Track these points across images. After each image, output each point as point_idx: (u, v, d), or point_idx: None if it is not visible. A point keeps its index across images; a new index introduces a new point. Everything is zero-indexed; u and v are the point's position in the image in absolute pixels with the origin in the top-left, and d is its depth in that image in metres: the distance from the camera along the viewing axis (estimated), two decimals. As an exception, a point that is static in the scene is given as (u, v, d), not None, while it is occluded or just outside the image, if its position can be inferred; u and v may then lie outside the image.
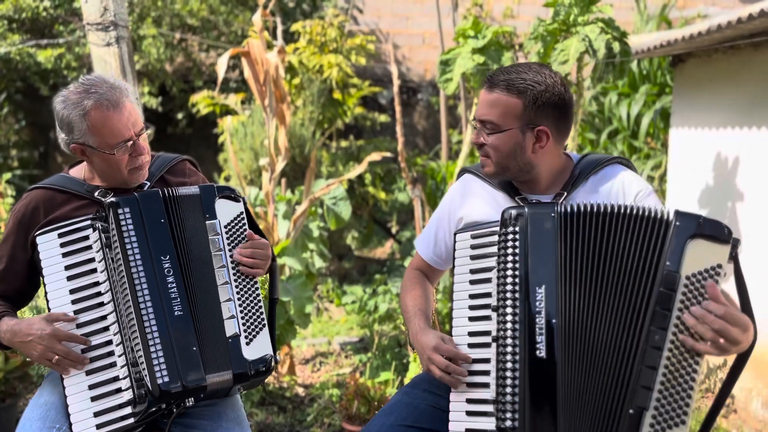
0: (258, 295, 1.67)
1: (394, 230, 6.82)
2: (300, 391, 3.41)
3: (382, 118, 6.82)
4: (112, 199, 1.62)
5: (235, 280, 1.65)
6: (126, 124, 1.64)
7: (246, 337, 1.61)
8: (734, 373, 1.39)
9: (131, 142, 1.66)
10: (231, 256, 1.65)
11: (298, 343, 4.13)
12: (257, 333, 1.64)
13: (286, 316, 3.11)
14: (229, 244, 1.66)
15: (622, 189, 1.62)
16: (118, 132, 1.64)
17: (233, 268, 1.65)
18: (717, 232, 1.35)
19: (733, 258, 1.35)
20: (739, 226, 3.28)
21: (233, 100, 5.69)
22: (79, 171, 1.81)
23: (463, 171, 1.81)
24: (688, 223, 1.36)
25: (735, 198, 3.32)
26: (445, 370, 1.50)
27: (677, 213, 1.39)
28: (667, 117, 4.83)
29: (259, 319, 1.65)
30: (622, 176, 1.64)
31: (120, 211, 1.60)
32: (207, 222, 1.65)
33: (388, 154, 3.26)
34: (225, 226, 1.67)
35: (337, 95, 5.97)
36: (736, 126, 3.34)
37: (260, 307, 1.66)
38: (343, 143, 6.26)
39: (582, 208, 1.44)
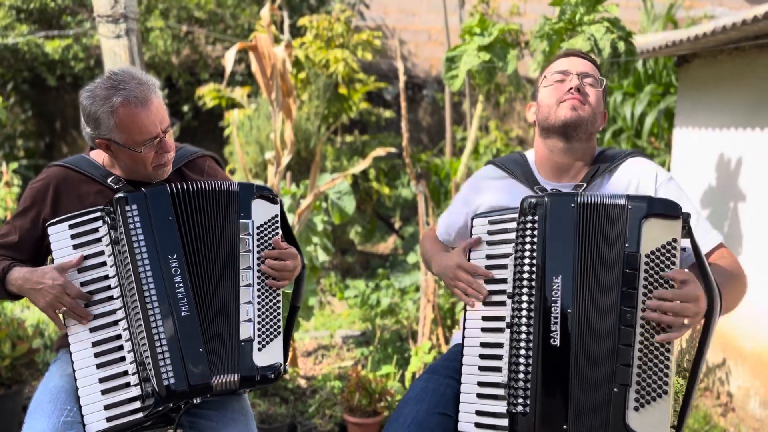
0: (278, 301, 1.66)
1: (397, 226, 6.85)
2: (302, 383, 3.44)
3: (387, 113, 6.84)
4: (120, 194, 1.61)
5: (259, 284, 1.63)
6: (153, 121, 1.62)
7: (259, 343, 1.61)
8: (704, 339, 1.43)
9: (158, 140, 1.65)
10: (259, 259, 1.64)
11: (301, 335, 4.17)
12: (271, 340, 1.63)
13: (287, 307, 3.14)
14: (258, 246, 1.64)
15: (641, 179, 1.67)
16: (146, 129, 1.62)
17: (259, 271, 1.63)
18: (668, 209, 1.43)
19: (687, 231, 1.43)
20: (741, 226, 3.30)
21: (239, 93, 5.71)
22: (99, 155, 1.79)
23: (489, 162, 1.88)
24: (639, 205, 1.44)
25: (737, 198, 3.34)
26: (468, 286, 1.58)
27: (628, 197, 1.46)
28: (671, 117, 4.84)
29: (275, 326, 1.64)
30: (640, 167, 1.69)
31: (127, 208, 1.58)
32: (240, 221, 1.64)
33: (393, 150, 3.29)
34: (258, 227, 1.65)
35: (342, 90, 5.99)
36: (739, 127, 3.35)
37: (279, 313, 1.66)
38: (348, 138, 6.28)
39: (596, 200, 1.49)
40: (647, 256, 1.41)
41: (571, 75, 1.67)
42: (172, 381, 1.52)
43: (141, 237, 1.57)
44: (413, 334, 3.74)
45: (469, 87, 4.95)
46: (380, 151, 3.29)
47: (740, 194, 3.32)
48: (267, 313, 1.64)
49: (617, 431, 1.36)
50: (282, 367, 1.65)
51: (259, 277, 1.63)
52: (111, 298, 1.61)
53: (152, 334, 1.53)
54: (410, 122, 8.96)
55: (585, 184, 1.66)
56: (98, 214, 1.64)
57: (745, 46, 3.25)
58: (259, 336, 1.61)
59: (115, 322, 1.61)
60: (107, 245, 1.62)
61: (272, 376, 1.63)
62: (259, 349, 1.61)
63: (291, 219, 3.50)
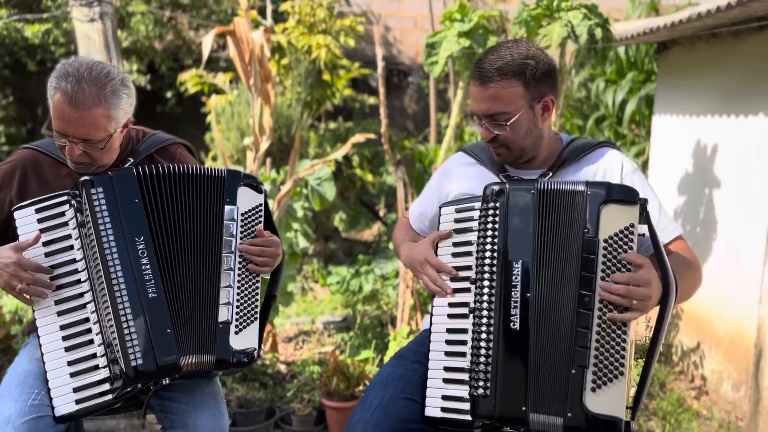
0: (257, 287, 1.69)
1: (381, 213, 6.86)
2: (282, 368, 3.46)
3: (372, 100, 6.82)
4: (86, 177, 1.61)
5: (240, 269, 1.65)
6: (73, 124, 1.60)
7: (237, 326, 1.63)
8: (660, 323, 1.46)
9: (64, 140, 1.64)
10: (241, 245, 1.65)
11: (282, 321, 4.18)
12: (248, 324, 1.65)
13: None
14: (242, 233, 1.66)
15: (607, 170, 1.68)
16: (61, 122, 1.61)
17: (240, 257, 1.65)
18: (626, 195, 1.46)
19: (645, 217, 1.46)
20: (716, 213, 3.34)
21: (222, 79, 5.68)
22: None
23: (459, 150, 1.89)
24: (598, 190, 1.46)
25: (712, 185, 3.38)
26: (433, 282, 1.60)
27: (587, 183, 1.48)
28: (651, 104, 4.87)
29: (253, 311, 1.67)
30: (607, 157, 1.70)
31: (93, 190, 1.58)
32: (226, 206, 1.65)
33: (372, 136, 3.29)
34: (242, 214, 1.67)
35: (326, 77, 5.97)
36: (715, 114, 3.38)
37: (257, 299, 1.68)
38: (332, 125, 6.27)
39: (556, 186, 1.50)
40: (605, 241, 1.43)
41: (481, 119, 1.65)
42: (140, 362, 1.53)
43: (107, 220, 1.58)
44: (393, 320, 3.76)
45: (453, 74, 4.95)
46: (360, 137, 3.29)
47: (715, 181, 3.35)
48: (246, 299, 1.67)
49: (575, 411, 1.38)
50: (256, 352, 1.67)
51: (240, 263, 1.65)
52: (79, 281, 1.62)
53: (119, 315, 1.54)
54: (396, 109, 8.95)
55: (551, 173, 1.68)
56: (65, 198, 1.64)
57: (722, 33, 3.27)
58: (236, 320, 1.64)
59: (83, 305, 1.61)
60: (74, 228, 1.63)
61: (246, 359, 1.65)
62: (236, 333, 1.63)
63: (270, 205, 3.50)
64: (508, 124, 1.62)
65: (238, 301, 1.64)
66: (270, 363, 3.44)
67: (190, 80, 5.69)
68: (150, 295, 1.57)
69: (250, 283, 1.68)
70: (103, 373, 1.58)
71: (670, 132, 3.91)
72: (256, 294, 1.69)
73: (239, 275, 1.65)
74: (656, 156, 4.10)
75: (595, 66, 5.40)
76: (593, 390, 1.38)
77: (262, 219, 1.71)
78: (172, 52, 7.42)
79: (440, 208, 1.69)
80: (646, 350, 1.46)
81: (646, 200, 1.46)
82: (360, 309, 4.14)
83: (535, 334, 1.45)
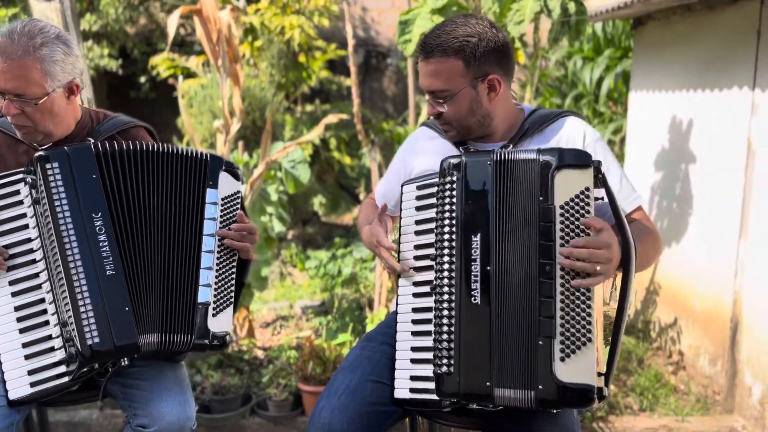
0: (233, 272, 1.69)
1: (360, 196, 6.81)
2: (259, 353, 3.42)
3: (349, 82, 6.73)
4: (40, 152, 1.57)
5: (218, 252, 1.64)
6: (3, 75, 1.55)
7: (214, 309, 1.62)
8: (624, 286, 1.43)
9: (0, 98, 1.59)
10: (223, 225, 1.65)
11: (259, 307, 4.13)
12: (225, 308, 1.65)
13: (242, 279, 3.09)
14: (221, 217, 1.65)
15: (569, 140, 1.64)
16: None
17: (220, 241, 1.65)
18: (577, 159, 1.42)
19: (600, 179, 1.43)
20: (692, 188, 3.33)
21: (194, 62, 5.57)
22: None
23: (422, 124, 1.85)
24: (550, 157, 1.42)
25: (688, 161, 3.37)
26: (386, 260, 1.59)
27: (538, 151, 1.44)
28: (628, 81, 4.85)
29: (229, 295, 1.66)
30: (569, 127, 1.66)
31: (48, 165, 1.54)
32: (208, 189, 1.64)
33: (345, 116, 3.23)
34: (222, 199, 1.66)
35: (301, 58, 5.87)
36: (690, 89, 3.36)
37: (233, 284, 1.68)
38: (309, 107, 6.19)
39: (512, 156, 1.46)
40: (561, 207, 1.39)
41: (427, 97, 1.62)
42: (96, 340, 1.49)
43: (63, 195, 1.54)
44: (371, 303, 3.73)
45: (427, 53, 4.89)
46: (332, 118, 3.23)
47: (691, 156, 3.34)
48: (224, 282, 1.66)
49: (545, 383, 1.35)
50: (229, 336, 1.68)
51: (220, 246, 1.64)
52: (34, 261, 1.58)
53: (75, 293, 1.50)
54: (375, 92, 8.86)
55: (511, 145, 1.64)
56: (20, 176, 1.60)
57: (696, 7, 3.24)
58: (215, 302, 1.63)
59: (39, 286, 1.58)
60: (29, 206, 1.59)
61: (218, 344, 1.65)
62: (214, 315, 1.63)
63: (243, 189, 3.44)
64: (448, 102, 1.58)
65: (216, 284, 1.63)
66: (247, 349, 3.40)
67: (161, 64, 5.58)
68: (108, 272, 1.54)
69: (228, 267, 1.67)
70: (59, 355, 1.55)
71: (646, 108, 3.89)
72: (232, 279, 1.70)
73: (218, 258, 1.64)
74: (633, 132, 4.08)
75: (571, 42, 5.36)
76: (562, 360, 1.35)
77: (239, 206, 1.71)
78: (145, 36, 7.26)
79: (402, 186, 1.65)
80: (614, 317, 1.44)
81: (599, 162, 1.42)
82: (339, 293, 4.10)
83: (497, 307, 1.41)
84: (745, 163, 2.90)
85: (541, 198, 1.41)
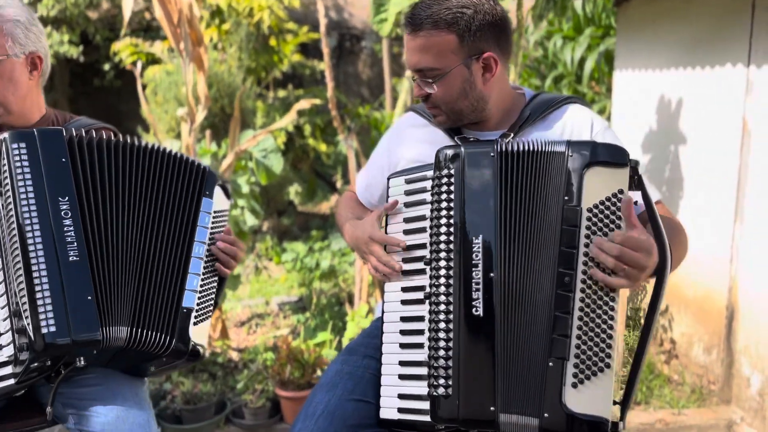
0: (215, 285, 1.63)
1: (338, 184, 6.60)
2: (234, 355, 3.23)
3: (323, 65, 6.51)
4: (6, 134, 1.43)
5: (206, 261, 1.58)
6: None
7: (196, 317, 1.54)
8: (654, 302, 1.28)
9: None
10: (211, 238, 1.59)
11: (233, 305, 3.93)
12: (204, 319, 1.57)
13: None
14: (211, 229, 1.60)
15: (575, 128, 1.48)
16: None
17: (209, 250, 1.58)
18: (613, 156, 1.24)
19: (636, 181, 1.26)
20: (681, 169, 3.20)
21: (159, 47, 5.30)
22: None
23: (408, 109, 1.67)
24: (581, 151, 1.25)
25: (678, 142, 3.23)
26: (380, 258, 1.40)
27: (569, 143, 1.27)
28: (611, 60, 4.71)
29: (209, 307, 1.59)
30: (574, 115, 1.49)
31: (15, 146, 1.41)
32: (204, 198, 1.59)
33: (318, 101, 3.03)
34: (215, 212, 1.61)
35: (272, 42, 5.63)
36: (679, 66, 3.22)
37: (213, 296, 1.61)
38: (281, 93, 5.95)
39: (523, 148, 1.30)
40: (589, 210, 1.22)
41: (414, 75, 1.45)
42: (52, 329, 1.33)
43: (28, 176, 1.41)
44: (351, 298, 3.55)
45: (404, 34, 4.70)
46: (305, 104, 3.02)
47: (681, 137, 3.20)
48: (206, 292, 1.58)
49: (553, 411, 1.19)
50: (203, 350, 1.59)
51: (208, 255, 1.58)
52: None
53: (32, 279, 1.35)
54: (349, 75, 8.63)
55: (512, 133, 1.46)
56: None
57: (685, -20, 3.09)
58: (197, 310, 1.54)
59: None
60: None
61: (193, 354, 1.54)
62: (194, 324, 1.54)
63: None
64: (437, 82, 1.40)
65: (200, 291, 1.55)
66: (221, 351, 3.21)
67: (124, 50, 5.30)
68: (71, 257, 1.39)
69: (212, 278, 1.60)
70: (6, 353, 1.37)
71: (632, 88, 3.75)
72: (213, 291, 1.62)
73: (205, 267, 1.57)
74: (618, 113, 3.94)
75: (552, 22, 5.20)
76: (574, 386, 1.19)
77: (226, 224, 1.67)
78: (108, 21, 6.93)
79: (388, 179, 1.47)
80: (637, 338, 1.28)
81: (636, 162, 1.25)
82: (317, 287, 3.93)
83: (503, 320, 1.25)
84: (740, 144, 2.76)
85: (566, 198, 1.24)
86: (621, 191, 1.22)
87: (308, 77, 6.50)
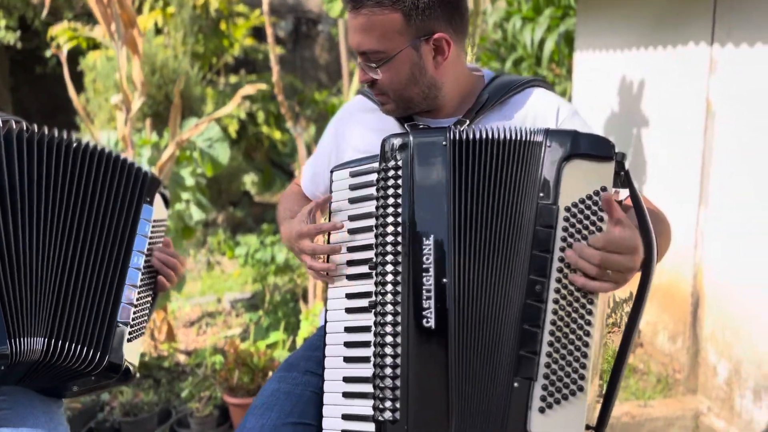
0: (151, 300, 1.48)
1: (296, 173, 6.40)
2: (182, 358, 3.04)
3: (277, 50, 6.27)
4: None
5: (144, 273, 1.43)
6: None
7: (130, 333, 1.40)
8: (638, 305, 1.15)
9: None
10: (149, 251, 1.45)
11: (181, 304, 3.73)
12: (139, 335, 1.44)
13: (153, 278, 2.69)
14: (151, 239, 1.47)
15: (538, 115, 1.33)
16: None
17: (147, 262, 1.44)
18: (596, 148, 1.09)
19: (622, 177, 1.10)
20: (645, 153, 3.11)
21: (100, 32, 4.99)
22: None
23: (358, 92, 1.51)
24: (561, 142, 1.10)
25: (640, 123, 3.13)
26: (312, 251, 1.25)
27: (547, 132, 1.12)
28: (571, 41, 4.60)
29: (144, 323, 1.46)
30: (538, 100, 1.34)
31: None
32: (145, 205, 1.46)
33: (264, 87, 2.83)
34: (154, 221, 1.48)
35: (222, 26, 5.37)
36: (640, 46, 3.11)
37: (148, 312, 1.47)
38: (233, 79, 5.70)
39: (480, 136, 1.14)
40: (567, 209, 1.07)
41: (357, 60, 1.30)
42: None
43: None
44: (306, 294, 3.38)
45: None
46: (249, 90, 2.83)
47: (644, 119, 3.11)
48: (142, 307, 1.43)
49: None
50: (134, 370, 1.43)
51: (146, 268, 1.44)
52: None
53: None
54: (306, 60, 8.39)
55: (467, 120, 1.31)
56: None
57: (646, -44, 2.97)
58: (131, 326, 1.39)
59: None
60: None
61: (127, 376, 1.40)
62: (129, 340, 1.39)
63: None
64: (383, 66, 1.24)
65: (136, 306, 1.40)
66: (167, 354, 3.01)
67: (62, 34, 4.97)
68: None
69: (148, 292, 1.46)
70: None
71: (592, 69, 3.64)
72: (148, 305, 1.47)
73: (143, 279, 1.43)
74: (579, 95, 3.84)
75: (511, 2, 5.07)
76: (542, 410, 1.05)
77: (164, 233, 1.54)
78: (52, 6, 6.57)
79: (331, 172, 1.30)
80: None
81: (623, 155, 1.10)
82: (271, 282, 3.74)
83: (459, 333, 1.10)
84: (703, 126, 2.67)
85: (541, 194, 1.09)
86: (604, 188, 1.07)
87: (261, 62, 6.26)
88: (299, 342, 2.87)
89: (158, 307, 2.85)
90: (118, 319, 1.36)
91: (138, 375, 1.49)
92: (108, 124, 4.23)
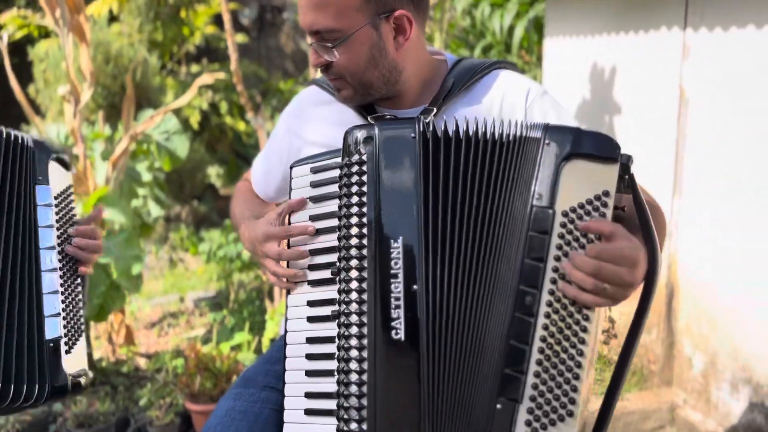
0: (80, 288, 1.32)
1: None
2: (142, 362, 2.90)
3: (240, 38, 6.08)
4: None
5: (62, 270, 1.27)
6: None
7: (67, 344, 1.26)
8: (638, 321, 1.07)
9: None
10: (60, 237, 1.27)
11: (141, 304, 3.57)
12: (78, 339, 1.29)
13: (108, 280, 2.54)
14: (57, 222, 1.28)
15: (506, 99, 1.23)
16: None
17: (61, 253, 1.27)
18: (599, 148, 0.99)
19: (627, 181, 1.01)
20: (617, 141, 3.04)
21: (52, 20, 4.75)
22: None
23: (311, 82, 1.38)
24: (561, 139, 1.00)
25: (612, 111, 3.07)
26: (277, 258, 1.14)
27: (547, 128, 1.02)
28: (541, 27, 4.53)
29: (80, 322, 1.31)
30: (505, 81, 1.25)
31: None
32: (38, 186, 1.26)
33: (222, 76, 2.68)
34: (56, 198, 1.29)
35: (182, 13, 5.17)
36: (612, 32, 3.04)
37: (82, 306, 1.32)
38: (194, 68, 5.51)
39: (453, 129, 1.04)
40: (565, 214, 0.97)
41: (310, 42, 1.18)
42: None
43: None
44: (271, 291, 3.26)
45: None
46: (207, 79, 2.68)
47: (616, 106, 3.04)
48: (72, 306, 1.28)
49: None
50: (87, 377, 1.29)
51: (62, 260, 1.27)
52: None
53: None
54: (272, 49, 8.20)
55: (434, 108, 1.20)
56: None
57: (617, -62, 2.89)
58: (66, 335, 1.24)
59: None
60: None
61: (77, 387, 1.27)
62: (67, 351, 1.26)
63: (104, 169, 2.85)
64: (338, 47, 1.13)
65: (65, 310, 1.26)
66: (126, 358, 2.87)
67: (11, 22, 4.72)
68: None
69: (75, 286, 1.30)
70: None
71: (563, 56, 3.56)
72: (80, 297, 1.32)
73: (63, 277, 1.26)
74: (549, 82, 3.76)
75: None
76: None
77: (74, 205, 1.34)
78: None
79: (291, 168, 1.19)
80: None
81: (629, 158, 1.00)
82: (236, 280, 3.61)
83: (433, 347, 1.00)
84: (677, 113, 2.61)
85: (536, 196, 0.99)
86: (606, 193, 0.97)
87: (224, 51, 6.06)
88: (265, 343, 2.75)
89: (116, 309, 2.70)
90: (47, 339, 1.21)
91: (93, 380, 1.34)
92: (60, 117, 4.02)
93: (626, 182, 1.01)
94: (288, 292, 1.17)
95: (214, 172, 5.68)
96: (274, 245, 1.14)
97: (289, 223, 1.17)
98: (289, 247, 1.15)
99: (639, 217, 1.04)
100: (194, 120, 4.70)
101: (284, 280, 1.15)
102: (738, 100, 2.33)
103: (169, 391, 2.50)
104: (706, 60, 2.47)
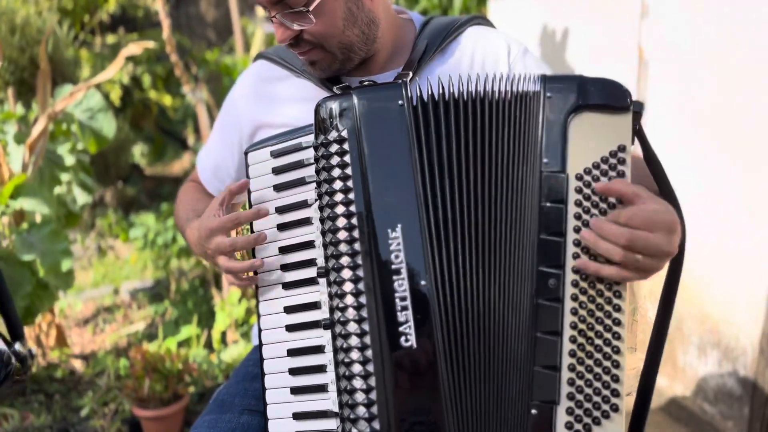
0: None
1: (189, 141, 5.88)
2: (78, 365, 2.64)
3: (158, 5, 5.66)
4: None
5: None
6: None
7: None
8: (667, 300, 0.97)
9: None
10: None
11: (70, 301, 3.27)
12: None
13: (34, 279, 2.27)
14: None
15: (486, 58, 1.09)
16: None
17: None
18: (610, 96, 0.86)
19: (637, 131, 0.88)
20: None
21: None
22: None
23: (257, 57, 1.19)
24: (565, 91, 0.87)
25: (565, 75, 2.99)
26: (229, 250, 0.95)
27: (545, 79, 0.88)
28: (480, -10, 4.40)
29: None
30: (482, 39, 1.11)
31: None
32: None
33: (151, 44, 2.40)
34: None
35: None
36: (563, -8, 2.95)
37: None
38: (111, 39, 5.08)
39: (440, 91, 0.89)
40: (579, 177, 0.84)
41: (270, 12, 0.99)
42: None
43: None
44: (218, 279, 3.04)
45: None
46: (134, 49, 2.40)
47: (569, 70, 2.96)
48: None
49: None
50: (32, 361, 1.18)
51: None
52: None
53: None
54: (192, 18, 7.74)
55: (410, 72, 1.04)
56: None
57: None
58: None
59: None
60: None
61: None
62: None
63: (20, 153, 2.53)
64: (312, 9, 0.96)
65: None
66: (59, 362, 2.60)
67: None
68: None
69: None
70: None
71: (509, 20, 3.45)
72: None
73: None
74: (496, 48, 3.66)
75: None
76: None
77: None
78: None
79: (246, 154, 1.00)
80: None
81: (641, 105, 0.87)
82: (176, 267, 3.35)
83: (451, 353, 0.86)
84: (636, 76, 2.55)
85: (544, 161, 0.85)
86: (622, 148, 0.84)
87: (142, 19, 5.62)
88: (215, 337, 2.55)
89: (45, 310, 2.43)
90: None
91: (23, 390, 1.15)
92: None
93: (635, 133, 0.88)
94: (257, 296, 0.99)
95: (138, 151, 5.30)
96: (222, 237, 0.95)
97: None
98: (253, 249, 0.97)
99: (654, 174, 0.92)
100: (115, 95, 4.33)
101: (245, 276, 0.98)
102: (698, 60, 2.28)
103: (113, 397, 2.27)
104: (666, 19, 2.40)
